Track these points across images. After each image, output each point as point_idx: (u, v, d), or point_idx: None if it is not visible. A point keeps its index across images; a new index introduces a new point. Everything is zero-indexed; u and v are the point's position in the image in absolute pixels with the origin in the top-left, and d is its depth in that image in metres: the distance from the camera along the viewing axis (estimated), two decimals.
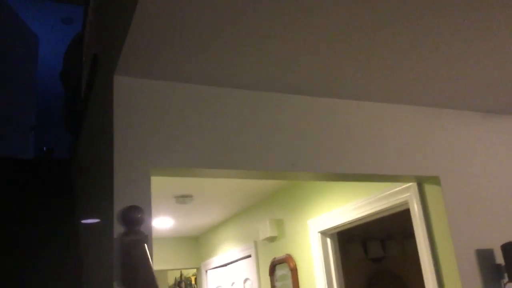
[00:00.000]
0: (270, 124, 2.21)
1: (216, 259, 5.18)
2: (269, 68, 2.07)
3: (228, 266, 4.97)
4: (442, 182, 2.50)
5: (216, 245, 5.23)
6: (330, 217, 3.32)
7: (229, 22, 1.71)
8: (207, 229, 5.39)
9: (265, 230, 4.01)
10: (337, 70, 2.14)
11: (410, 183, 2.63)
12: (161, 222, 4.67)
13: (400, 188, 2.71)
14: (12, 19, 4.79)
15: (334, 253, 3.41)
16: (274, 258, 4.01)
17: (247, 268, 4.54)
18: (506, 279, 2.42)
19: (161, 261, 5.39)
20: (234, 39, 1.83)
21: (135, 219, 1.82)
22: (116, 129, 1.93)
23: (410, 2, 1.69)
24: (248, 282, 4.54)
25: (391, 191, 2.78)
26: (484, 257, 2.46)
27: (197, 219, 4.85)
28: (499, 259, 2.48)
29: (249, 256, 4.48)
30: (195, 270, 6.10)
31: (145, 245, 1.79)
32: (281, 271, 3.92)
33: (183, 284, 7.48)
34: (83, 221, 2.75)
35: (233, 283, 4.83)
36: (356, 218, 3.08)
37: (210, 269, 5.38)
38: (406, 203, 2.68)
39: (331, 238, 3.43)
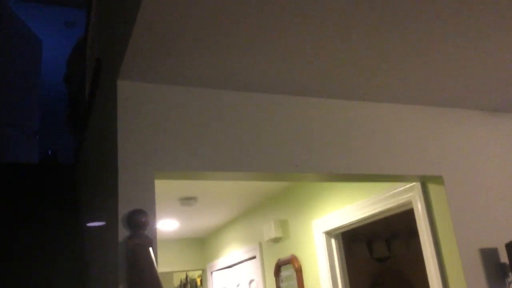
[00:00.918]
0: (273, 125, 2.21)
1: (221, 261, 5.19)
2: (271, 70, 2.08)
3: (233, 267, 4.98)
4: (445, 182, 2.50)
5: (221, 247, 5.24)
6: (334, 218, 3.32)
7: (231, 24, 1.72)
8: (212, 231, 5.40)
9: (270, 231, 4.02)
10: (339, 70, 2.15)
11: (414, 183, 2.63)
12: (166, 224, 4.68)
13: (404, 187, 2.71)
14: (16, 24, 4.82)
15: (339, 253, 3.41)
16: (279, 259, 4.01)
17: (252, 269, 4.55)
18: (510, 278, 2.42)
19: (166, 263, 5.41)
20: (236, 42, 1.84)
21: (139, 222, 1.83)
22: (120, 133, 1.95)
23: (414, 0, 1.69)
24: (253, 284, 4.54)
25: (395, 190, 2.78)
26: (488, 256, 2.46)
27: (202, 221, 4.86)
28: (504, 258, 2.47)
29: (254, 257, 4.49)
30: (200, 272, 6.11)
31: (150, 248, 1.80)
32: (286, 272, 3.93)
33: (188, 286, 7.50)
34: (88, 225, 2.77)
35: (238, 285, 4.84)
36: (360, 218, 3.08)
37: (215, 270, 5.39)
38: (410, 202, 2.68)
39: (335, 238, 3.43)
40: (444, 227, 2.49)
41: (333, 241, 3.43)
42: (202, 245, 5.73)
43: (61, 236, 2.88)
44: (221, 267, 5.22)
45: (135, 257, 1.76)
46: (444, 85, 2.40)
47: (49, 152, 7.47)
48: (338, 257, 3.39)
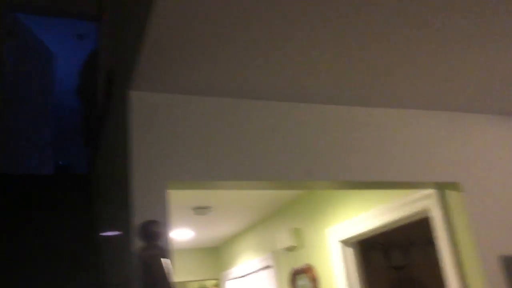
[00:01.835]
0: (286, 133, 2.20)
1: (235, 270, 5.16)
2: (282, 78, 2.07)
3: (247, 276, 4.95)
4: (463, 188, 2.45)
5: (236, 256, 5.21)
6: (350, 225, 3.28)
7: (240, 34, 1.71)
8: (227, 240, 5.38)
9: (284, 239, 3.98)
10: (352, 76, 2.13)
11: (431, 190, 2.58)
12: (181, 234, 4.67)
13: (421, 194, 2.67)
14: (29, 37, 4.88)
15: (356, 262, 3.36)
16: (294, 268, 3.97)
17: (267, 279, 4.51)
18: None
19: (181, 272, 5.39)
20: (246, 51, 1.83)
21: (153, 233, 1.82)
22: (132, 143, 1.95)
23: (426, 6, 1.67)
24: None
25: (412, 197, 2.74)
26: (509, 263, 2.40)
27: (216, 229, 4.85)
28: None
29: (268, 267, 4.45)
30: (215, 281, 6.08)
31: (164, 259, 1.79)
32: (301, 282, 3.88)
33: None
34: (103, 235, 2.77)
35: None
36: (377, 226, 3.04)
37: (230, 279, 5.35)
38: (427, 209, 2.64)
39: (351, 247, 3.39)
40: (463, 235, 2.44)
41: (349, 249, 3.38)
42: (217, 254, 5.70)
43: (77, 247, 2.89)
44: (236, 276, 5.19)
45: (149, 268, 1.75)
46: (461, 90, 2.37)
47: (61, 163, 7.55)
48: (354, 266, 3.34)
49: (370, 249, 4.34)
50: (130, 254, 1.81)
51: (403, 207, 2.80)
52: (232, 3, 1.55)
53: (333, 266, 3.43)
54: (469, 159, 2.55)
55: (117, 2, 2.42)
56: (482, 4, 1.70)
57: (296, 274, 3.95)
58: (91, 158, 3.68)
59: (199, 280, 6.94)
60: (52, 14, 4.93)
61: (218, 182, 2.05)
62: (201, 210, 4.04)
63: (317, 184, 2.26)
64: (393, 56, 1.98)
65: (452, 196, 2.51)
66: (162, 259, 1.80)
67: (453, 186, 2.48)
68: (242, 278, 5.07)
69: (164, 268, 1.75)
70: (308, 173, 2.15)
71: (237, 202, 3.97)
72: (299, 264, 3.91)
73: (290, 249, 4.02)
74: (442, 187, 2.54)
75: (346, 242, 3.38)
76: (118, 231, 2.19)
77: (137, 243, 1.80)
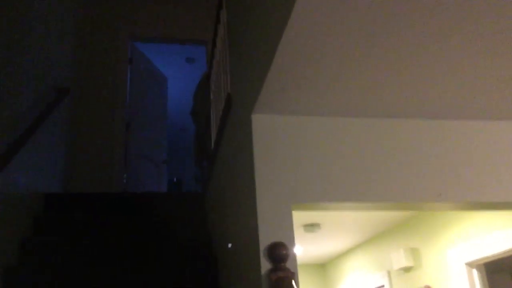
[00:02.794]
0: (413, 152, 2.11)
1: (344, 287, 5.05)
2: (407, 95, 1.99)
3: None
4: None
5: (344, 273, 5.10)
6: (477, 246, 3.06)
7: (363, 57, 1.68)
8: (334, 257, 5.29)
9: (400, 259, 3.82)
10: (483, 89, 1.99)
11: None
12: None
13: None
14: (145, 63, 5.24)
15: (482, 286, 3.12)
16: None
17: None
18: None
19: None
20: (369, 72, 1.79)
21: (281, 255, 1.84)
22: (256, 166, 1.98)
23: None
24: None
25: None
26: None
27: (325, 246, 4.79)
28: None
29: (382, 286, 4.29)
30: None
31: (293, 281, 1.79)
32: None
33: None
34: (224, 257, 2.84)
35: None
36: (507, 249, 2.80)
37: None
38: None
39: (477, 270, 3.16)
40: None
41: (474, 272, 3.16)
42: (324, 271, 5.62)
43: (196, 266, 2.99)
44: None
45: None
46: None
47: (175, 179, 7.95)
48: None
49: (495, 272, 4.01)
50: (258, 276, 1.83)
51: None
52: (367, 20, 1.51)
53: None
54: None
55: (238, 28, 2.50)
56: None
57: None
58: (206, 177, 3.81)
59: None
60: (165, 41, 5.26)
61: (343, 204, 2.01)
62: (311, 227, 4.02)
63: (446, 205, 2.14)
64: None
65: None
66: (290, 281, 1.81)
67: None
68: None
69: None
70: (438, 194, 2.04)
71: (347, 219, 3.89)
72: (417, 285, 3.72)
73: (407, 269, 3.85)
74: None
75: (471, 265, 3.16)
76: (242, 252, 2.22)
77: (265, 265, 1.82)
